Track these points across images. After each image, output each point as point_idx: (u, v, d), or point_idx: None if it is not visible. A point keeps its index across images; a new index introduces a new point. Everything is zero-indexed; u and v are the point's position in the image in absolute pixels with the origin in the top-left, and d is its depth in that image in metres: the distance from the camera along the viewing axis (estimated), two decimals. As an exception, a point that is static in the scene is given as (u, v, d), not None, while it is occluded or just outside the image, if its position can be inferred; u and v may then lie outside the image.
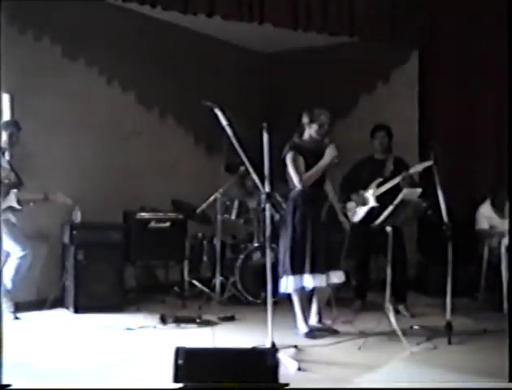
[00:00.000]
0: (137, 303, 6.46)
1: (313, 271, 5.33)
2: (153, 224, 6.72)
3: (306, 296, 5.61)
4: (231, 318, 6.03)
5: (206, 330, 5.61)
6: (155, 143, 7.69)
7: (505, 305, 6.24)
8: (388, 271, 5.34)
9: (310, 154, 5.48)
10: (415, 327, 5.67)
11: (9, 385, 3.44)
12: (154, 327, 5.68)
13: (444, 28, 8.06)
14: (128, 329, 5.60)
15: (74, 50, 6.83)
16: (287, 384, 3.25)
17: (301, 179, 5.43)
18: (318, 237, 5.38)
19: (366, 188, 6.36)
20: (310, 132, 5.52)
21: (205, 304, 6.59)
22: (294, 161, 5.44)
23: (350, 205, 6.44)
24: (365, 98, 8.52)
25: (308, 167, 5.45)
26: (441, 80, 8.08)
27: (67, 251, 6.41)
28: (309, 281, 5.36)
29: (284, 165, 5.50)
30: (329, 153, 5.46)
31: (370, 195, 6.30)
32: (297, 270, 5.36)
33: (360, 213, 6.32)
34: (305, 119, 5.52)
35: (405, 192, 5.34)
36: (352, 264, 6.48)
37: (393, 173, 6.31)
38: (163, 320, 5.78)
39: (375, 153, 6.58)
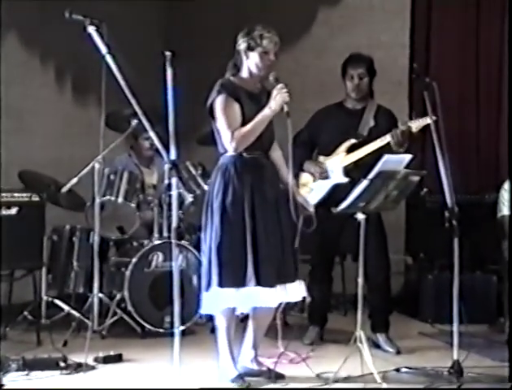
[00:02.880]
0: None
1: (258, 283, 5.28)
2: (-12, 211, 6.68)
3: (237, 321, 5.63)
4: (116, 359, 6.04)
5: (76, 378, 5.61)
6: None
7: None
8: (360, 282, 5.40)
9: (249, 100, 5.44)
10: (403, 369, 5.75)
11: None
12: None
13: None
14: None
15: None
16: None
17: (232, 138, 5.35)
18: (265, 231, 5.35)
19: (330, 153, 6.43)
20: (248, 64, 5.45)
21: (74, 337, 6.56)
22: (226, 109, 5.36)
23: (304, 178, 6.49)
24: (327, 13, 8.61)
25: (246, 120, 5.40)
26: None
27: None
28: (251, 298, 5.30)
29: (212, 115, 5.45)
30: (277, 99, 5.35)
31: (337, 164, 6.34)
32: (228, 280, 5.28)
33: (318, 191, 6.37)
34: (241, 45, 5.42)
35: (385, 160, 5.33)
36: (306, 271, 6.59)
37: (374, 132, 6.37)
38: (3, 367, 5.69)
39: (348, 99, 6.60)
